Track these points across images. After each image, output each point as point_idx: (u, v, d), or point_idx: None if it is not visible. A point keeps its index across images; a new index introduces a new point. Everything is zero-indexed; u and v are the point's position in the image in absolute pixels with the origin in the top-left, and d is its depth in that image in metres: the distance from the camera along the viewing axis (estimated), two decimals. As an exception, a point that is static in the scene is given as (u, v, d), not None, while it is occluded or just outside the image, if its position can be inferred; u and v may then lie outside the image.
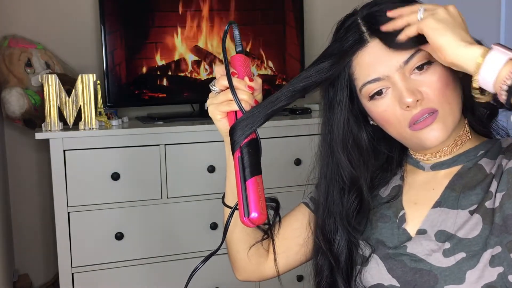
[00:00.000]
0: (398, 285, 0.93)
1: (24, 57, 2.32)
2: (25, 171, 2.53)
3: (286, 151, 2.33)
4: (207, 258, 0.92)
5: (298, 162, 2.35)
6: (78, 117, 2.12)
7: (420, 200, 0.97)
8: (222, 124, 0.93)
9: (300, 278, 2.32)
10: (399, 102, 0.89)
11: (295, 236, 1.07)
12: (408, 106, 0.88)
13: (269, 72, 2.61)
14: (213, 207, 2.21)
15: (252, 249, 1.06)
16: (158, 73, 2.46)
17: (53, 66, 2.37)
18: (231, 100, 0.89)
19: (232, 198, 1.00)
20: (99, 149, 2.14)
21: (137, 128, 2.21)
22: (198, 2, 2.46)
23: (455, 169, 0.96)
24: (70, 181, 2.10)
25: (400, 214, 0.98)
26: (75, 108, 2.11)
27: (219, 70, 0.92)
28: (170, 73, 2.47)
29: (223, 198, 1.03)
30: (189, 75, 2.50)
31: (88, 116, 2.12)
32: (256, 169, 0.85)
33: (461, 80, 0.93)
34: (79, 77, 2.11)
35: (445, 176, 0.97)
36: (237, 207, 0.88)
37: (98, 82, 2.24)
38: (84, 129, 2.12)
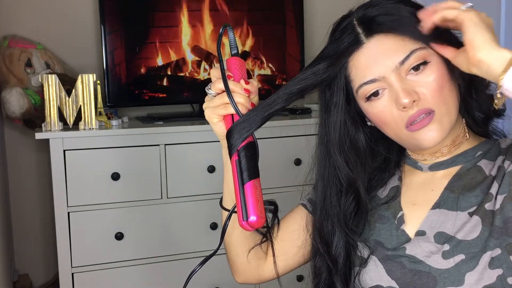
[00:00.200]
0: (397, 286, 0.92)
1: (24, 57, 2.32)
2: (25, 171, 2.53)
3: (286, 151, 2.33)
4: (204, 260, 0.92)
5: (298, 162, 2.35)
6: (78, 117, 2.12)
7: (418, 201, 0.97)
8: (219, 128, 0.93)
9: (300, 278, 2.32)
10: (396, 103, 0.89)
11: (294, 238, 1.07)
12: (404, 107, 0.88)
13: (269, 72, 2.61)
14: (213, 207, 2.20)
15: (251, 252, 1.06)
16: (158, 73, 2.46)
17: (53, 66, 2.37)
18: (228, 103, 0.89)
19: (230, 201, 1.00)
20: (99, 149, 2.14)
21: (137, 128, 2.21)
22: (198, 2, 2.46)
23: (453, 170, 0.96)
24: (70, 181, 2.10)
25: (399, 215, 0.98)
26: (75, 108, 2.11)
27: (214, 73, 0.92)
28: (170, 73, 2.47)
29: (221, 201, 1.03)
30: (189, 75, 2.50)
31: (88, 116, 2.12)
32: (254, 172, 0.85)
33: (458, 80, 0.93)
34: (79, 77, 2.11)
35: (443, 177, 0.96)
36: (235, 210, 0.88)
37: (98, 82, 2.24)
38: (84, 129, 2.12)
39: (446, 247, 0.89)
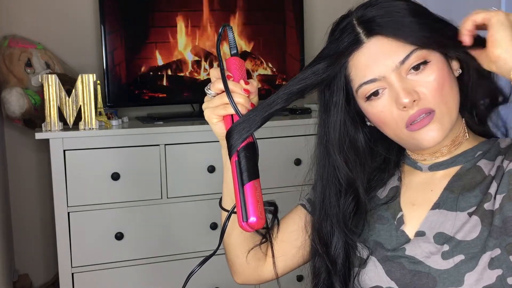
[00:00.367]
0: (397, 287, 0.92)
1: (24, 57, 2.32)
2: (25, 171, 2.53)
3: (286, 151, 2.33)
4: (204, 261, 0.92)
5: (298, 162, 2.35)
6: (78, 117, 2.12)
7: (418, 201, 0.97)
8: (219, 128, 0.93)
9: (300, 278, 2.32)
10: (396, 103, 0.89)
11: (293, 239, 1.06)
12: (404, 107, 0.88)
13: (269, 72, 2.61)
14: (213, 207, 2.20)
15: (250, 253, 1.06)
16: (158, 73, 2.46)
17: (53, 66, 2.37)
18: (227, 103, 0.89)
19: (229, 201, 0.99)
20: (99, 149, 2.14)
21: (137, 128, 2.21)
22: (198, 2, 2.46)
23: (453, 170, 0.96)
24: (70, 181, 2.10)
25: (398, 215, 0.97)
26: (75, 108, 2.11)
27: (214, 73, 0.91)
28: (170, 73, 2.47)
29: (220, 201, 1.02)
30: (189, 75, 2.50)
31: (88, 116, 2.12)
32: (253, 173, 0.84)
33: (458, 79, 0.93)
34: (79, 77, 2.11)
35: (443, 177, 0.96)
36: (234, 210, 0.87)
37: (98, 82, 2.24)
38: (84, 129, 2.12)
39: (446, 247, 0.89)
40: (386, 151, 1.03)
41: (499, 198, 0.88)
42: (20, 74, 2.29)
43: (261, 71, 2.59)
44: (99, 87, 2.24)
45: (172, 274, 2.24)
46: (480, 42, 0.85)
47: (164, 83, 2.47)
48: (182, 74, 2.49)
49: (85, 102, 2.11)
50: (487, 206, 0.89)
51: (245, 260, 1.06)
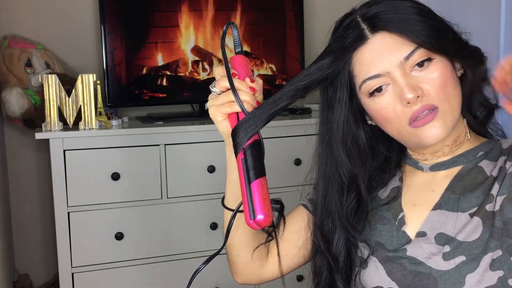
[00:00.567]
0: None
1: (24, 57, 2.32)
2: (25, 171, 2.53)
3: (286, 151, 2.33)
4: (209, 259, 0.91)
5: (298, 162, 2.35)
6: (78, 117, 2.12)
7: (419, 202, 0.97)
8: (224, 126, 0.92)
9: (300, 278, 2.31)
10: (400, 98, 0.89)
11: (294, 239, 1.06)
12: (408, 102, 0.88)
13: (269, 72, 2.61)
14: (213, 207, 2.21)
15: (251, 253, 1.05)
16: (158, 73, 2.46)
17: (53, 66, 2.37)
18: (233, 101, 0.88)
19: (232, 201, 0.99)
20: (99, 149, 2.14)
21: (137, 128, 2.21)
22: (198, 2, 2.46)
23: (454, 170, 0.96)
24: (70, 181, 2.10)
25: (400, 216, 0.97)
26: (75, 108, 2.11)
27: (219, 71, 0.91)
28: (170, 73, 2.47)
29: (222, 200, 1.02)
30: (189, 75, 2.50)
31: (88, 116, 2.12)
32: (260, 171, 0.84)
33: (460, 80, 0.93)
34: (79, 77, 2.11)
35: (444, 178, 0.96)
36: (239, 209, 0.87)
37: (98, 82, 2.24)
38: (84, 129, 2.12)
39: (447, 248, 0.89)
40: (387, 150, 1.03)
41: (499, 199, 0.87)
42: (20, 74, 2.29)
43: (261, 71, 2.59)
44: (99, 87, 2.24)
45: (172, 274, 2.24)
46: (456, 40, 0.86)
47: (164, 83, 2.47)
48: (182, 74, 2.49)
49: (85, 102, 2.11)
50: (488, 207, 0.89)
51: (247, 259, 1.06)
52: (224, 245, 0.93)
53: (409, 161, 1.01)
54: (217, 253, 0.92)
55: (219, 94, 0.91)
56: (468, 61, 0.94)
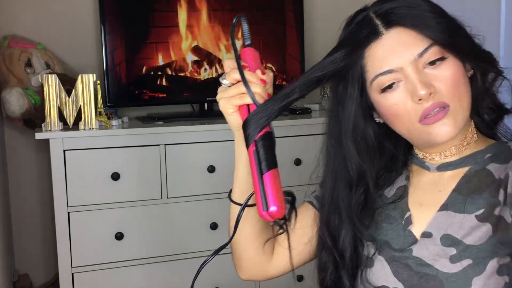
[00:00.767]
0: None
1: (24, 57, 2.32)
2: (25, 171, 2.53)
3: (286, 151, 2.33)
4: (217, 251, 0.91)
5: (298, 162, 2.35)
6: (78, 117, 2.12)
7: (426, 201, 0.96)
8: (234, 119, 0.91)
9: (300, 278, 2.31)
10: (412, 95, 0.88)
11: (300, 235, 1.06)
12: (420, 99, 0.87)
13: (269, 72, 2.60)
14: (213, 207, 2.20)
15: (258, 248, 1.05)
16: (158, 73, 2.46)
17: (53, 66, 2.37)
18: (244, 93, 0.87)
19: (239, 194, 0.97)
20: (99, 149, 2.14)
21: (137, 128, 2.21)
22: (198, 2, 2.46)
23: (461, 171, 0.95)
24: (70, 181, 2.10)
25: (406, 215, 0.97)
26: (75, 108, 2.11)
27: (229, 63, 0.90)
28: (170, 73, 2.47)
29: (229, 194, 1.00)
30: (189, 75, 2.50)
31: (88, 116, 2.12)
32: (272, 162, 0.83)
33: (470, 81, 0.93)
34: (79, 77, 2.11)
35: (451, 178, 0.95)
36: (248, 202, 0.86)
37: (98, 82, 2.24)
38: (84, 129, 2.12)
39: (453, 251, 0.89)
40: (394, 148, 1.02)
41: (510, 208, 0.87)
42: (20, 74, 2.29)
43: (261, 71, 2.59)
44: (99, 87, 2.24)
45: (172, 274, 2.24)
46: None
47: (164, 83, 2.47)
48: (182, 74, 2.49)
49: (85, 102, 2.11)
50: (497, 211, 0.88)
51: (256, 254, 1.05)
52: (232, 237, 0.93)
53: (416, 160, 1.01)
54: (225, 245, 0.91)
55: (229, 87, 0.89)
56: (479, 64, 0.93)
